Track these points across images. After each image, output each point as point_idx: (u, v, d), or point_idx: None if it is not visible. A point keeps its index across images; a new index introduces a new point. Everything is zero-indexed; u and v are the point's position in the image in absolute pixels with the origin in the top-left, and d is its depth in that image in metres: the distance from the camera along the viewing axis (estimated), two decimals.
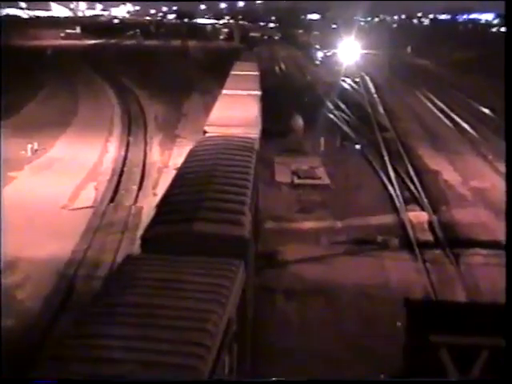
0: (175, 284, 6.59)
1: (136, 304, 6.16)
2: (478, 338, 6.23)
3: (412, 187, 19.59)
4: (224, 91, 20.06)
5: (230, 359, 6.62)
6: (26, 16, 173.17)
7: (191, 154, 12.23)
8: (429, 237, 15.82)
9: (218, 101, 18.26)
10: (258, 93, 20.13)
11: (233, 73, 25.79)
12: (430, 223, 16.63)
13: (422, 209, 17.78)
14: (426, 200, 18.33)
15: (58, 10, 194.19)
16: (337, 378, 9.47)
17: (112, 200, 18.34)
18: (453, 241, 15.33)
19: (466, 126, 29.21)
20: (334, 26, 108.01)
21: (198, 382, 5.15)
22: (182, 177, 10.77)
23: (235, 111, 15.97)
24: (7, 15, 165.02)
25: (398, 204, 18.07)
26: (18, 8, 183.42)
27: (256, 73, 26.65)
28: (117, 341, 5.45)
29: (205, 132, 14.10)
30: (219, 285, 6.58)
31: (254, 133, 13.78)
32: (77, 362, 5.24)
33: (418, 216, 17.21)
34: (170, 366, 5.17)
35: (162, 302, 6.18)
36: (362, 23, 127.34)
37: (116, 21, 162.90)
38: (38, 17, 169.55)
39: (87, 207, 17.61)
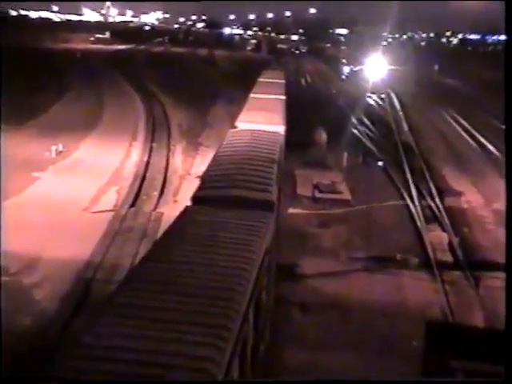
0: (221, 229, 8.28)
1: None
2: (497, 365, 6.11)
3: (434, 207, 19.43)
4: (252, 95, 21.35)
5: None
6: (57, 19, 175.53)
7: (225, 142, 13.78)
8: (449, 258, 15.65)
9: (247, 102, 19.65)
10: (283, 97, 21.35)
11: (260, 80, 27.18)
12: (451, 244, 16.46)
13: (443, 229, 17.61)
14: (447, 220, 18.16)
15: (89, 15, 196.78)
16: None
17: (133, 205, 18.42)
18: (473, 263, 15.15)
19: (491, 147, 28.93)
20: (362, 41, 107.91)
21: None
22: (220, 157, 12.45)
23: (262, 111, 17.36)
24: (39, 18, 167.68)
25: (418, 223, 17.92)
26: (50, 11, 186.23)
27: (282, 81, 28.08)
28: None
29: (235, 126, 15.62)
30: (257, 228, 8.40)
31: (279, 129, 15.27)
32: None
33: (438, 236, 17.05)
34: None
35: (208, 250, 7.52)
36: (390, 39, 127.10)
37: (147, 28, 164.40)
38: (69, 20, 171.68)
39: (108, 211, 17.70)
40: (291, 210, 17.80)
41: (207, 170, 11.65)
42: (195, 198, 9.92)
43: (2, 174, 19.00)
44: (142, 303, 6.15)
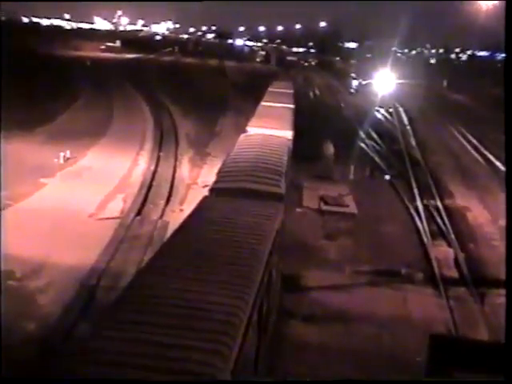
0: (237, 214, 9.46)
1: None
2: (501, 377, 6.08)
3: (440, 222, 19.39)
4: (263, 103, 22.54)
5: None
6: (68, 27, 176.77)
7: (238, 144, 15.08)
8: (454, 274, 15.61)
9: (257, 109, 20.88)
10: (292, 106, 22.60)
11: (270, 89, 28.47)
12: (456, 260, 16.41)
13: (449, 245, 17.57)
14: (453, 236, 18.11)
15: (100, 24, 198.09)
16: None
17: (139, 213, 18.46)
18: (478, 280, 15.10)
19: (498, 163, 28.86)
20: (371, 55, 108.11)
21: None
22: (233, 157, 13.73)
23: (272, 117, 18.62)
24: (51, 25, 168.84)
25: (424, 238, 17.88)
26: (62, 19, 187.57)
27: (291, 91, 29.30)
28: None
29: (247, 131, 16.79)
30: (269, 214, 9.72)
31: (288, 134, 16.48)
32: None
33: (444, 251, 17.01)
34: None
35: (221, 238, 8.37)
36: (399, 54, 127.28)
37: (158, 37, 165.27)
38: (80, 28, 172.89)
39: (114, 218, 17.75)
40: (297, 222, 17.75)
41: (222, 167, 12.86)
42: (212, 190, 11.20)
43: (2, 177, 19.11)
44: (166, 279, 6.84)
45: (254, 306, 6.94)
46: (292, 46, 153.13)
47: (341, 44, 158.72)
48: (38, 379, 5.12)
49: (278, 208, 10.36)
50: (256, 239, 8.48)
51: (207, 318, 5.97)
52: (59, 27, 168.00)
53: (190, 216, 9.58)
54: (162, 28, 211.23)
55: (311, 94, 56.02)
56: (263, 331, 8.46)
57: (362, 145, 30.84)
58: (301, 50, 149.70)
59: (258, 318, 7.63)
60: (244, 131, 16.82)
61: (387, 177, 24.90)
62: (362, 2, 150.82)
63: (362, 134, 33.12)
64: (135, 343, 5.49)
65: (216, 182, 11.78)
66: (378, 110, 43.47)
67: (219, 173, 12.50)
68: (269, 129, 16.67)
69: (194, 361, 5.30)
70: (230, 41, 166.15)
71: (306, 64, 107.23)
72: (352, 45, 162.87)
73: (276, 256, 9.62)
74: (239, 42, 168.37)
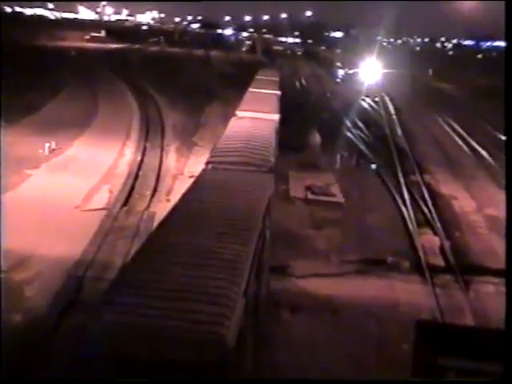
0: (233, 183, 10.71)
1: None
2: (488, 363, 6.14)
3: (426, 210, 19.50)
4: (250, 89, 23.59)
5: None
6: (52, 17, 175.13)
7: (229, 126, 16.20)
8: (440, 261, 15.71)
9: (246, 95, 21.99)
10: (278, 92, 23.74)
11: (257, 77, 29.61)
12: (442, 248, 16.53)
13: (435, 233, 17.68)
14: (439, 224, 18.24)
15: (84, 13, 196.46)
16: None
17: (125, 204, 18.40)
18: (464, 267, 15.22)
19: (484, 152, 29.07)
20: (357, 44, 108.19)
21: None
22: (226, 137, 14.80)
23: (259, 103, 19.74)
24: (34, 15, 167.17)
25: (410, 227, 17.99)
26: (45, 9, 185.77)
27: (277, 78, 30.39)
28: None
29: (236, 115, 17.81)
30: (262, 183, 10.95)
31: (274, 117, 17.77)
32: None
33: (430, 240, 17.12)
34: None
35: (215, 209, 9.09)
36: (385, 44, 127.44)
37: (144, 27, 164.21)
38: (64, 18, 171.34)
39: (100, 209, 17.68)
40: (284, 212, 17.78)
41: (217, 145, 14.00)
42: (208, 163, 12.30)
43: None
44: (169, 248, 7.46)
45: (255, 254, 7.97)
46: (278, 36, 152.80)
47: (326, 33, 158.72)
48: (37, 379, 5.17)
49: (269, 178, 11.54)
50: (252, 204, 9.49)
51: (217, 264, 6.92)
52: (43, 17, 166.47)
53: (192, 185, 10.61)
54: (147, 18, 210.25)
55: (297, 83, 55.96)
56: (259, 276, 9.26)
57: (349, 134, 30.90)
58: (287, 39, 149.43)
59: (257, 266, 8.58)
60: (234, 115, 17.80)
61: (373, 166, 24.99)
62: None
63: (348, 123, 33.19)
64: (151, 297, 6.06)
65: (212, 157, 12.86)
66: (364, 99, 43.54)
67: (213, 149, 13.74)
68: (257, 112, 17.81)
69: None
70: (216, 31, 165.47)
71: (292, 54, 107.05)
72: (338, 34, 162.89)
73: (268, 219, 10.63)
74: (228, 31, 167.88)
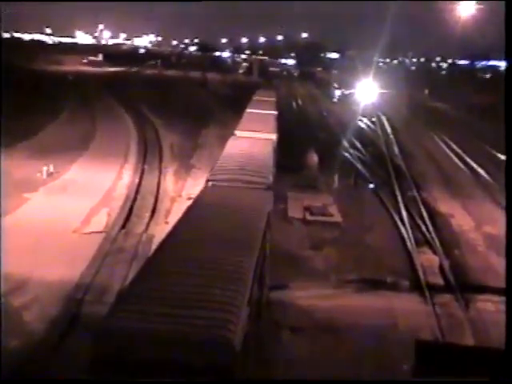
0: (234, 198, 11.36)
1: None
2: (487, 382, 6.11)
3: (424, 230, 19.50)
4: (248, 110, 24.24)
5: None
6: (50, 42, 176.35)
7: (228, 146, 16.58)
8: (439, 280, 15.68)
9: (244, 116, 22.50)
10: (275, 112, 24.47)
11: (255, 98, 30.32)
12: (441, 267, 16.50)
13: (434, 252, 17.67)
14: (438, 243, 18.22)
15: (82, 38, 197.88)
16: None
17: (124, 226, 18.38)
18: (463, 286, 15.19)
19: (481, 171, 29.15)
20: (353, 65, 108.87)
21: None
22: (225, 156, 15.23)
23: (257, 122, 20.28)
24: (32, 40, 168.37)
25: (409, 246, 17.97)
26: (43, 34, 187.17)
27: (274, 99, 31.11)
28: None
29: (235, 134, 18.32)
30: (262, 198, 11.54)
31: (272, 136, 18.29)
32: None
33: (429, 259, 17.10)
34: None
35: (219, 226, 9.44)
36: (381, 64, 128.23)
37: (139, 50, 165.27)
38: (61, 43, 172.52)
39: (98, 232, 17.65)
40: (282, 233, 17.77)
41: (216, 163, 14.46)
42: (208, 181, 12.83)
43: None
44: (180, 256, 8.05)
45: (257, 265, 8.39)
46: (274, 57, 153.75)
47: (322, 54, 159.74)
48: (38, 380, 5.19)
49: (269, 194, 12.11)
50: (252, 219, 10.00)
51: (222, 275, 7.35)
52: (41, 42, 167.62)
53: (194, 201, 11.20)
54: (144, 41, 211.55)
55: (294, 103, 56.25)
56: (260, 286, 9.83)
57: (346, 154, 30.99)
58: (283, 61, 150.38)
59: (260, 275, 9.16)
60: (233, 135, 18.21)
61: (371, 185, 25.03)
62: (343, 13, 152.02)
63: (345, 144, 33.29)
64: (161, 304, 6.44)
65: (212, 175, 13.37)
66: (361, 120, 43.74)
67: (213, 168, 14.20)
68: (255, 132, 18.31)
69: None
70: (213, 53, 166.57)
71: (289, 75, 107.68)
72: (334, 55, 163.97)
73: (268, 233, 11.15)
74: (225, 54, 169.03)
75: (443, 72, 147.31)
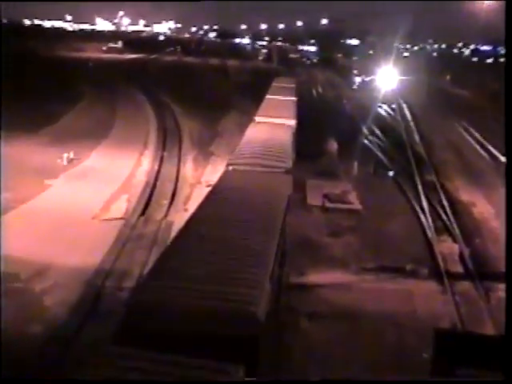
0: (257, 181, 11.77)
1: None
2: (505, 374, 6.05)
3: (444, 217, 19.35)
4: (268, 96, 24.53)
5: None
6: (70, 29, 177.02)
7: (248, 131, 17.02)
8: (459, 269, 15.58)
9: (264, 102, 22.77)
10: (295, 98, 24.55)
11: (274, 84, 30.73)
12: (461, 255, 16.39)
13: (454, 240, 17.54)
14: (458, 231, 18.09)
15: (102, 25, 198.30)
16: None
17: (143, 213, 18.48)
18: (483, 274, 15.07)
19: (502, 158, 28.78)
20: (374, 51, 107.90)
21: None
22: (245, 141, 15.62)
23: (277, 108, 20.50)
24: (52, 27, 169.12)
25: (429, 234, 17.86)
26: (63, 21, 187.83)
27: (293, 85, 31.40)
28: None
29: (254, 120, 18.61)
30: (282, 181, 11.97)
31: (291, 122, 18.41)
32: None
33: (449, 247, 16.98)
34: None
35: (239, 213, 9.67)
36: (402, 50, 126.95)
37: (161, 37, 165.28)
38: (82, 30, 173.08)
39: (118, 218, 17.77)
40: (301, 220, 17.75)
41: (237, 148, 14.76)
42: (229, 165, 13.08)
43: (1, 180, 19.17)
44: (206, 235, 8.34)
45: (278, 245, 8.63)
46: (294, 44, 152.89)
47: (343, 41, 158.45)
48: (38, 380, 5.21)
49: (288, 178, 12.36)
50: (273, 201, 10.30)
51: (246, 253, 7.68)
52: (61, 29, 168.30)
53: (215, 185, 11.51)
54: (163, 28, 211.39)
55: (314, 90, 55.96)
56: (280, 266, 9.98)
57: (366, 141, 30.79)
58: (303, 47, 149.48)
59: (281, 256, 9.41)
60: (252, 121, 18.52)
61: (391, 173, 24.86)
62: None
63: (365, 131, 33.07)
64: (189, 280, 6.77)
65: (232, 159, 13.57)
66: (380, 106, 43.40)
67: (234, 152, 14.49)
68: (275, 118, 18.51)
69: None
70: (233, 40, 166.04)
71: (308, 61, 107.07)
72: (354, 41, 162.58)
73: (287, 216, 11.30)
74: (245, 41, 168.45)
75: (466, 58, 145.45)
